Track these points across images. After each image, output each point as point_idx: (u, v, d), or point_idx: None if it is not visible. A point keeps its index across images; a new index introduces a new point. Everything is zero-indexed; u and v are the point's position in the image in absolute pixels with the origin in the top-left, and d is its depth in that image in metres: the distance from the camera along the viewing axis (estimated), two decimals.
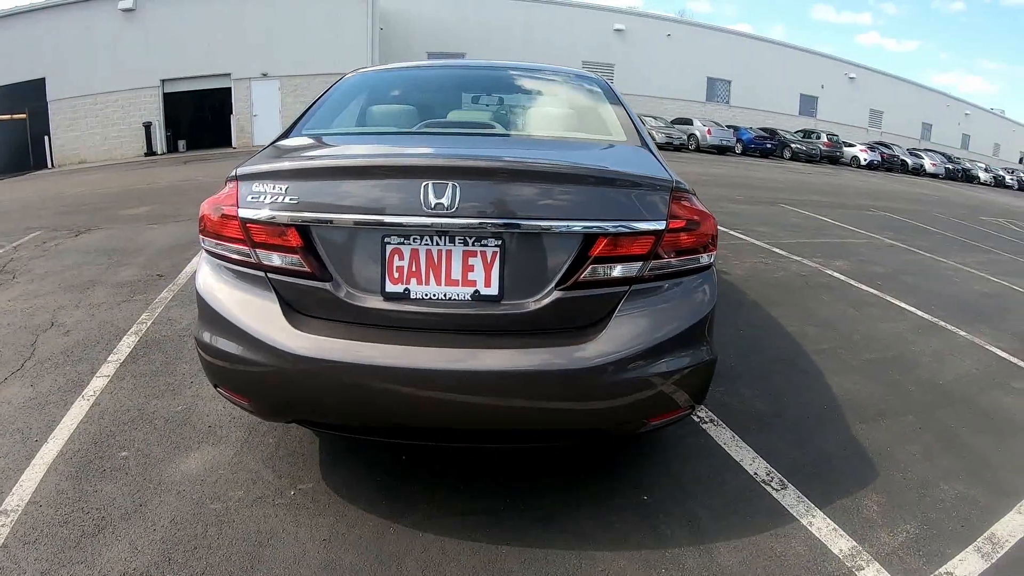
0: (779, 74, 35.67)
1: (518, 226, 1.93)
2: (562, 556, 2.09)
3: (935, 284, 6.64)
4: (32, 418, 2.86)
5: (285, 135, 2.66)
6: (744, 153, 28.23)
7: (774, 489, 2.54)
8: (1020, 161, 48.14)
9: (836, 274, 6.38)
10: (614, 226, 1.96)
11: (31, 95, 21.75)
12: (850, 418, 3.22)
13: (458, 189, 1.89)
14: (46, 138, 22.05)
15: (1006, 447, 3.09)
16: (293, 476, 2.47)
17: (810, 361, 3.96)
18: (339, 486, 2.41)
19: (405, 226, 1.92)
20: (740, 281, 5.71)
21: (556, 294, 1.96)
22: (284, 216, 1.98)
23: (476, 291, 1.96)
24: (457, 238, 1.95)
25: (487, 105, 3.37)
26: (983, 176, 35.71)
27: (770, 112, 35.07)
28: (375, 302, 1.98)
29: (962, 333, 4.85)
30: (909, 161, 33.27)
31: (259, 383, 2.06)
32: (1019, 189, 36.25)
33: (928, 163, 33.74)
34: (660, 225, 2.00)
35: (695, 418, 3.01)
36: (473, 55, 27.01)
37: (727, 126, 29.09)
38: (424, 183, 1.89)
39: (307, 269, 1.99)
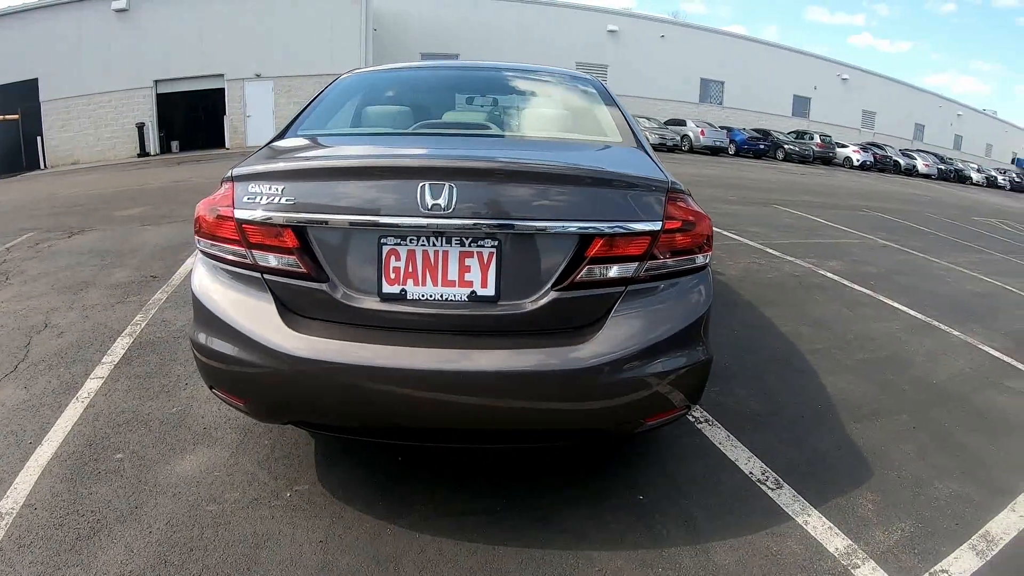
0: (772, 75, 35.80)
1: (515, 227, 1.93)
2: (559, 556, 2.10)
3: (928, 284, 6.68)
4: (26, 420, 2.85)
5: (281, 136, 2.66)
6: (737, 154, 28.31)
7: (769, 488, 2.55)
8: (1012, 162, 48.42)
9: (829, 274, 6.41)
10: (610, 227, 1.96)
11: (24, 95, 21.63)
12: (844, 417, 3.24)
13: (455, 190, 1.89)
14: (39, 139, 21.93)
15: (1000, 446, 3.11)
16: (289, 478, 2.46)
17: (804, 361, 3.98)
18: (335, 487, 2.41)
19: (402, 227, 1.92)
20: (734, 281, 5.73)
21: (553, 295, 1.97)
22: (280, 217, 1.97)
23: (473, 292, 1.97)
24: (454, 239, 1.95)
25: (483, 106, 3.37)
26: (975, 177, 35.92)
27: (763, 113, 35.21)
28: (372, 303, 1.98)
29: (955, 333, 4.88)
30: (902, 162, 33.47)
31: (255, 384, 2.05)
32: (1011, 189, 36.49)
33: (920, 164, 33.93)
34: (656, 226, 2.01)
35: (690, 418, 3.02)
36: (467, 56, 27.04)
37: (720, 127, 29.20)
38: (421, 184, 1.89)
39: (303, 270, 1.99)
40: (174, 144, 23.08)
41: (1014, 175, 39.54)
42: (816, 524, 2.35)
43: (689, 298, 2.13)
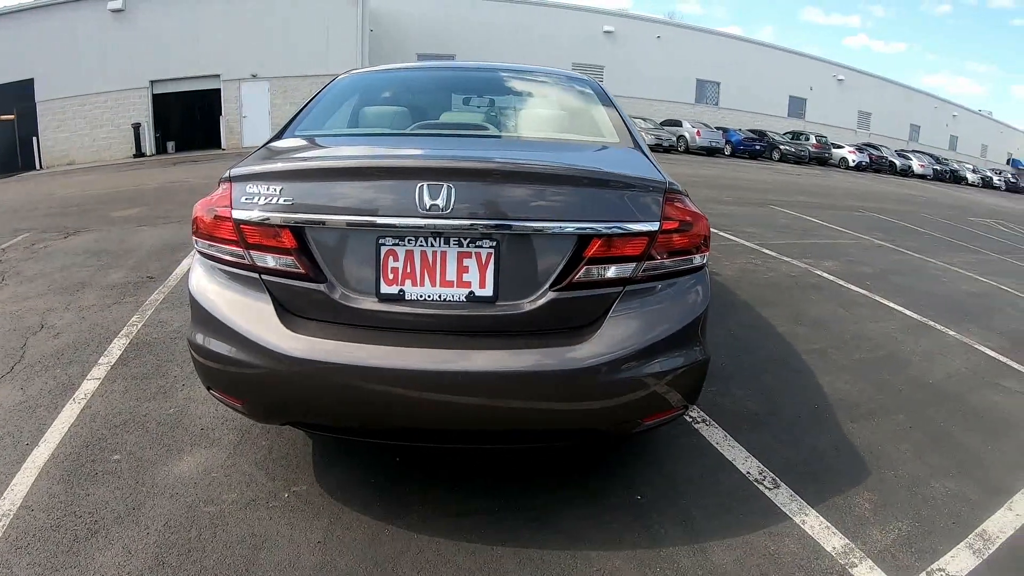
0: (768, 76, 35.86)
1: (513, 227, 1.93)
2: (557, 556, 2.10)
3: (924, 284, 6.70)
4: (23, 421, 2.84)
5: (278, 136, 2.66)
6: (733, 155, 28.34)
7: (767, 488, 2.56)
8: (1008, 162, 48.60)
9: (826, 275, 6.42)
10: (608, 227, 1.97)
11: (19, 96, 21.54)
12: (841, 417, 3.24)
13: (453, 190, 1.89)
14: (34, 139, 21.84)
15: (996, 445, 3.12)
16: (287, 479, 2.46)
17: (801, 361, 3.98)
18: (333, 488, 2.41)
19: (400, 227, 1.93)
20: (731, 282, 5.74)
21: (551, 295, 1.97)
22: (278, 217, 1.97)
23: (471, 292, 1.97)
24: (452, 239, 1.95)
25: (481, 107, 3.37)
26: (971, 177, 36.04)
27: (759, 114, 35.25)
28: (370, 303, 1.98)
29: (951, 333, 4.90)
30: (897, 162, 33.56)
31: (253, 385, 2.05)
32: (1006, 190, 36.62)
33: (916, 164, 34.03)
34: (654, 226, 2.01)
35: (687, 418, 3.03)
36: (463, 57, 27.03)
37: (716, 128, 29.21)
38: (419, 184, 1.89)
39: (301, 270, 1.99)
40: (170, 145, 23.00)
41: (1009, 176, 39.68)
42: (813, 523, 2.36)
43: (687, 298, 2.13)
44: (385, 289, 1.97)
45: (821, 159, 31.02)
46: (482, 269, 1.96)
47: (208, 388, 2.22)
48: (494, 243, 1.95)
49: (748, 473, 2.66)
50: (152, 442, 2.69)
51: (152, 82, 22.35)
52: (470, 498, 2.38)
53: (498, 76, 3.57)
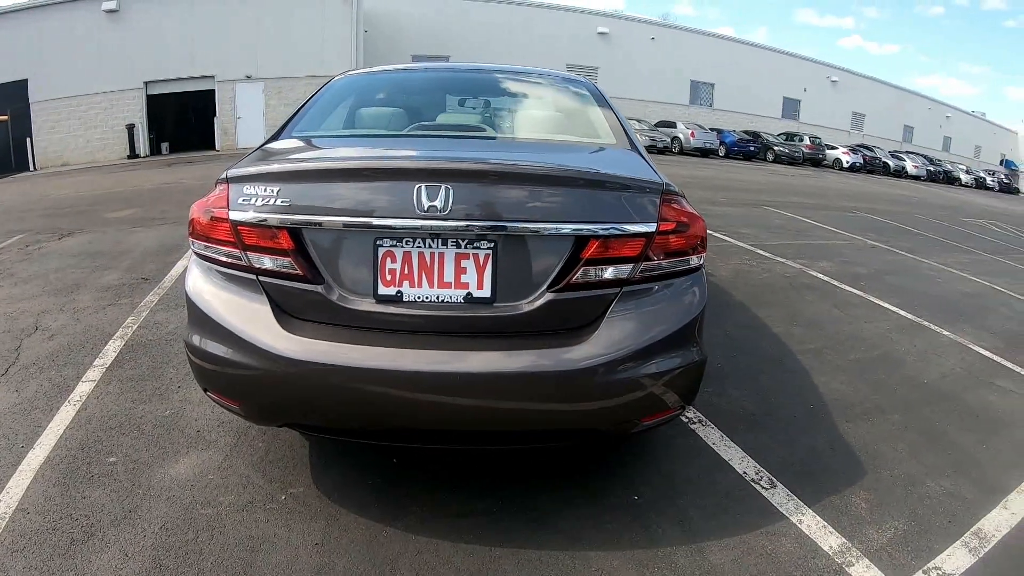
0: (762, 77, 35.94)
1: (511, 228, 1.94)
2: (556, 557, 2.10)
3: (918, 284, 6.73)
4: (18, 424, 2.82)
5: (275, 137, 2.65)
6: (727, 156, 28.42)
7: (763, 488, 2.57)
8: (1001, 163, 48.83)
9: (820, 275, 6.44)
10: (605, 228, 1.97)
11: (13, 96, 21.43)
12: (837, 417, 3.26)
13: (451, 192, 1.89)
14: (28, 140, 21.74)
15: (991, 444, 3.14)
16: (284, 480, 2.45)
17: (797, 361, 4.00)
18: (330, 490, 2.40)
19: (398, 228, 1.93)
20: (726, 282, 5.75)
21: (549, 296, 1.97)
22: (275, 218, 1.97)
23: (469, 293, 1.97)
24: (450, 240, 1.95)
25: (478, 108, 3.38)
26: (964, 178, 36.26)
27: (753, 115, 35.33)
28: (367, 305, 1.98)
29: (945, 332, 4.92)
30: (891, 163, 33.71)
31: (250, 387, 2.05)
32: (999, 191, 36.83)
33: (910, 165, 34.19)
34: (651, 227, 2.02)
35: (684, 418, 3.03)
36: (458, 58, 27.01)
37: (710, 129, 29.27)
38: (417, 186, 1.89)
39: (299, 272, 1.99)
40: (164, 146, 22.93)
41: (1002, 176, 39.91)
42: (810, 523, 2.36)
43: (684, 299, 2.14)
44: (383, 290, 1.97)
45: (815, 160, 31.09)
46: (480, 270, 1.96)
47: (205, 390, 2.21)
48: (492, 244, 1.95)
49: (745, 473, 2.67)
50: (148, 444, 2.68)
51: (146, 83, 22.29)
52: (469, 499, 2.38)
53: (495, 78, 3.58)
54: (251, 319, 2.00)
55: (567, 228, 1.96)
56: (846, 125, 40.30)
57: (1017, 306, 6.35)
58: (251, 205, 1.99)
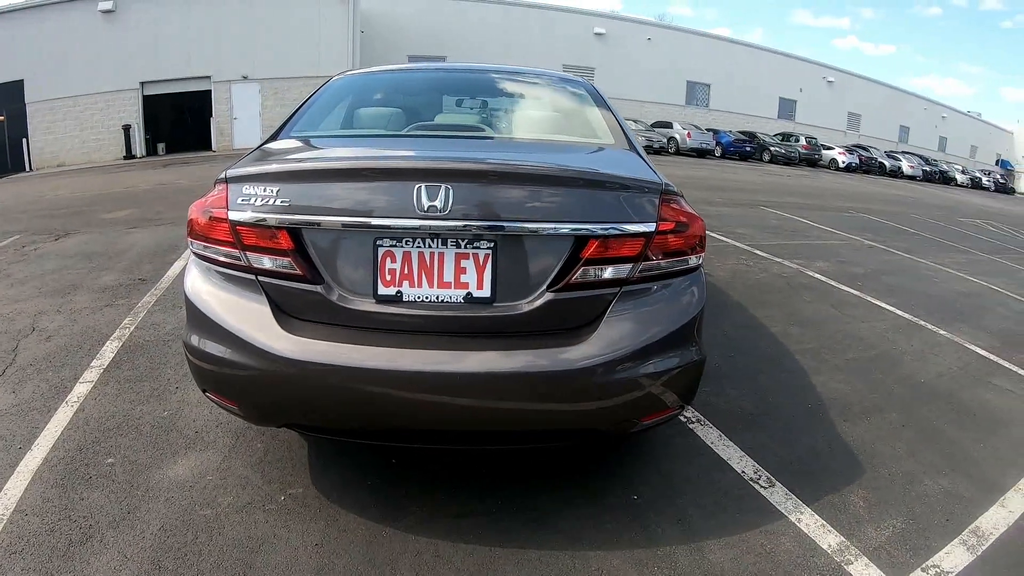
0: (758, 78, 36.02)
1: (511, 228, 1.94)
2: (556, 557, 2.10)
3: (914, 284, 6.75)
4: (15, 425, 2.81)
5: (273, 137, 2.65)
6: (723, 156, 28.45)
7: (762, 487, 2.57)
8: (996, 163, 49.00)
9: (817, 275, 6.46)
10: (605, 228, 1.97)
11: (9, 97, 21.38)
12: (835, 416, 3.26)
13: (451, 192, 1.89)
14: (24, 141, 21.68)
15: (988, 442, 3.15)
16: (283, 481, 2.45)
17: (794, 361, 4.01)
18: (329, 490, 2.40)
19: (398, 228, 1.92)
20: (723, 283, 5.76)
21: (548, 296, 1.97)
22: (275, 219, 1.97)
23: (468, 293, 1.97)
24: (450, 240, 1.95)
25: (477, 108, 3.37)
26: (960, 178, 36.39)
27: (749, 115, 35.41)
28: (367, 305, 1.98)
29: (942, 332, 4.93)
30: (887, 163, 33.82)
31: (249, 387, 2.04)
32: (995, 190, 36.96)
33: (906, 165, 34.29)
34: (650, 227, 2.02)
35: (682, 418, 3.04)
36: (454, 58, 26.99)
37: (707, 129, 29.31)
38: (417, 186, 1.89)
39: (298, 272, 1.98)
40: (160, 146, 22.90)
41: (998, 176, 40.05)
42: (809, 522, 2.37)
43: (682, 299, 2.15)
44: (383, 290, 1.97)
45: (811, 160, 31.16)
46: (480, 270, 1.96)
47: (204, 390, 2.21)
48: (492, 244, 1.95)
49: (743, 472, 2.67)
50: (146, 445, 2.68)
51: (142, 83, 22.25)
52: (468, 499, 2.38)
53: (495, 78, 3.57)
54: (250, 319, 2.00)
55: (567, 228, 1.96)
56: (842, 125, 40.40)
57: (1014, 305, 6.37)
58: (250, 205, 1.99)
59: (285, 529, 2.18)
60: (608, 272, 2.00)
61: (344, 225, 1.95)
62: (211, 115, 22.88)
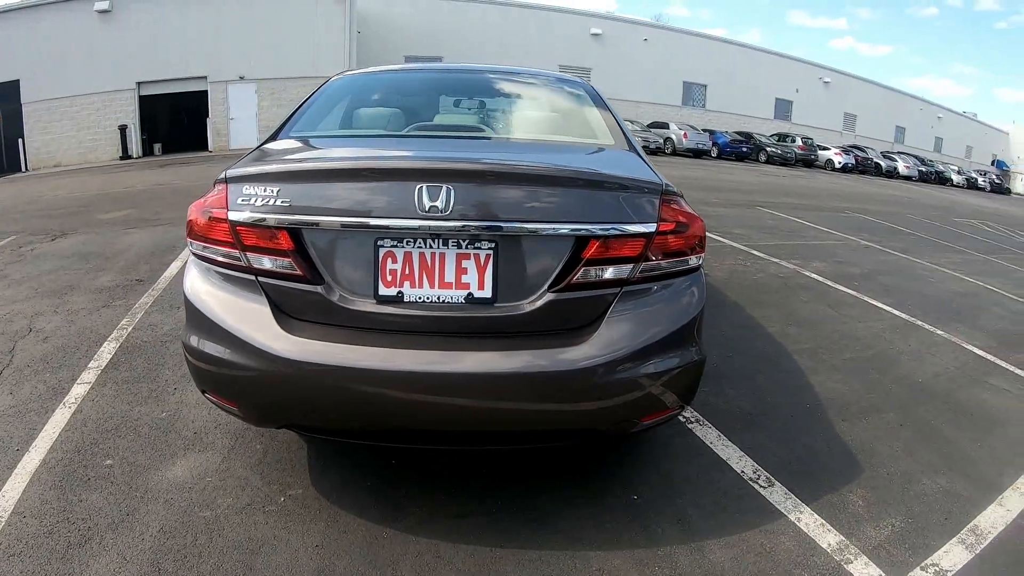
0: (754, 78, 36.07)
1: (512, 229, 1.94)
2: (556, 557, 2.10)
3: (911, 284, 6.77)
4: (12, 427, 2.80)
5: (273, 138, 2.64)
6: (720, 157, 28.52)
7: (761, 487, 2.57)
8: (992, 163, 49.17)
9: (814, 275, 6.47)
10: (605, 229, 1.97)
11: (5, 97, 21.33)
12: (833, 416, 3.27)
13: (452, 192, 1.89)
14: (20, 141, 21.63)
15: (986, 441, 3.16)
16: (282, 482, 2.44)
17: (792, 361, 4.01)
18: (329, 491, 2.39)
19: (399, 229, 1.92)
20: (721, 283, 5.77)
21: (549, 296, 1.97)
22: (274, 219, 1.96)
23: (469, 294, 1.97)
24: (451, 241, 1.95)
25: (477, 109, 3.37)
26: (955, 178, 36.51)
27: (745, 116, 35.47)
28: (368, 305, 1.97)
29: (939, 332, 4.95)
30: (883, 164, 33.89)
31: (249, 388, 2.04)
32: (991, 191, 37.09)
33: (901, 166, 34.38)
34: (650, 228, 2.02)
35: (682, 418, 3.04)
36: (451, 59, 27.01)
37: (703, 130, 29.36)
38: (418, 186, 1.89)
39: (298, 272, 1.98)
40: (157, 147, 22.84)
41: (994, 177, 40.19)
42: (808, 521, 2.37)
43: (683, 299, 2.15)
44: (383, 291, 1.97)
45: (807, 161, 31.24)
46: (481, 271, 1.96)
47: (203, 391, 2.20)
48: (493, 244, 1.95)
49: (743, 472, 2.67)
50: (145, 447, 2.67)
51: (139, 84, 22.22)
52: (468, 499, 2.38)
53: (494, 78, 3.57)
54: (250, 320, 1.99)
55: (568, 228, 1.96)
56: (838, 126, 40.49)
57: (1010, 305, 6.39)
58: (250, 205, 1.99)
59: (285, 530, 2.18)
60: (609, 272, 2.00)
61: (344, 225, 1.95)
62: (208, 115, 22.82)
